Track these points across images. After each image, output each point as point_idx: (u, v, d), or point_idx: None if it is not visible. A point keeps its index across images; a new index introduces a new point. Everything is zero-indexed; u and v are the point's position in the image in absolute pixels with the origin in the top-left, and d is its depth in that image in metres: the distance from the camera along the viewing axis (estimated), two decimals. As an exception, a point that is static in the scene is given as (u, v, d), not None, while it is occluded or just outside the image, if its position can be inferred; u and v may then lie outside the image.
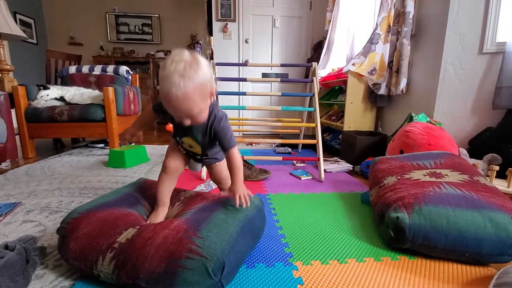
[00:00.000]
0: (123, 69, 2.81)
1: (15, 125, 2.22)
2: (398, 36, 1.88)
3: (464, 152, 1.44)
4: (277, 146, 2.58)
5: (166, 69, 0.65)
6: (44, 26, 4.94)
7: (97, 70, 2.86)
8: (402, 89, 1.86)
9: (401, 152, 1.53)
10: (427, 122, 1.63)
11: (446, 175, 1.05)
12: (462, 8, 1.55)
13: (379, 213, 1.01)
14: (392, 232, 0.90)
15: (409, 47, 1.80)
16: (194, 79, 0.67)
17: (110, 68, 2.85)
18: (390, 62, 1.96)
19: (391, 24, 1.92)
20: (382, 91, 2.01)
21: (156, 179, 1.67)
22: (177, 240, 0.69)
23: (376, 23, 1.97)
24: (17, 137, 2.24)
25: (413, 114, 1.68)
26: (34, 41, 4.69)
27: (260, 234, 0.86)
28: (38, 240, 0.97)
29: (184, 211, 0.87)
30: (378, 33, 1.96)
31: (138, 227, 0.77)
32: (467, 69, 1.60)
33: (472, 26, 1.56)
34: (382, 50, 1.98)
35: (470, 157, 1.45)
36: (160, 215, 0.93)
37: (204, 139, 0.87)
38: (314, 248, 0.91)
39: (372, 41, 1.99)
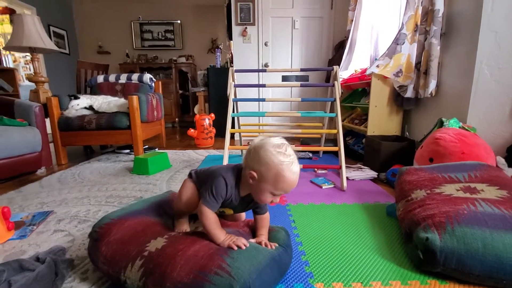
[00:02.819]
0: (147, 77, 2.91)
1: (49, 132, 2.37)
2: (426, 35, 1.77)
3: (502, 161, 1.32)
4: (296, 151, 2.54)
5: (286, 160, 0.72)
6: (75, 37, 5.24)
7: (123, 78, 2.98)
8: (431, 91, 1.75)
9: (431, 160, 1.43)
10: (459, 127, 1.52)
11: (482, 190, 0.96)
12: (497, 4, 1.42)
13: (407, 231, 0.95)
14: (421, 254, 0.84)
15: (438, 47, 1.69)
16: None
17: (135, 76, 2.95)
18: (418, 63, 1.85)
19: (419, 23, 1.81)
20: (409, 93, 1.91)
21: (177, 186, 1.72)
22: (208, 255, 0.70)
23: (402, 23, 1.86)
24: (51, 144, 2.39)
25: (443, 119, 1.57)
26: (67, 51, 4.99)
27: (286, 271, 0.83)
28: (67, 251, 1.01)
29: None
30: (404, 33, 1.85)
31: (166, 236, 0.79)
32: (504, 69, 1.46)
33: (508, 23, 1.42)
34: (409, 51, 1.88)
35: (509, 166, 1.33)
36: (185, 223, 0.94)
37: (244, 208, 0.88)
38: (336, 268, 0.87)
39: (397, 41, 1.89)
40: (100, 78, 3.00)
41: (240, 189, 0.81)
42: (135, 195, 1.57)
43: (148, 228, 0.84)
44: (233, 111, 2.04)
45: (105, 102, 2.55)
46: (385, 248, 0.99)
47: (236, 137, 2.99)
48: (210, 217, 0.78)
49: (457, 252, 0.77)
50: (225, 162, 1.71)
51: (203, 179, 0.88)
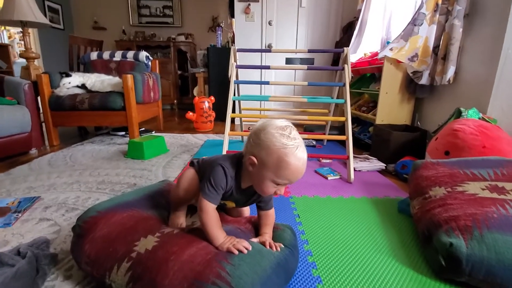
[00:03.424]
0: (143, 55, 2.74)
1: (41, 112, 2.24)
2: (447, 16, 1.62)
3: (526, 156, 1.22)
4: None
5: (290, 142, 0.62)
6: (70, 11, 4.97)
7: (118, 56, 2.82)
8: (449, 78, 1.62)
9: (447, 153, 1.33)
10: (479, 118, 1.40)
11: (512, 190, 0.86)
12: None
13: (425, 232, 0.86)
14: (443, 260, 0.75)
15: (461, 29, 1.54)
16: None
17: (130, 54, 2.79)
18: (436, 47, 1.71)
19: (440, 2, 1.64)
20: (424, 80, 1.77)
21: (174, 173, 1.62)
22: (206, 261, 0.61)
23: (422, 1, 1.70)
24: (43, 125, 2.27)
25: (462, 109, 1.46)
26: (61, 26, 4.74)
27: (293, 275, 0.75)
28: (51, 243, 0.93)
29: None
30: (423, 13, 1.69)
31: (158, 235, 0.70)
32: (534, 56, 1.33)
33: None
34: (427, 33, 1.72)
35: (534, 162, 1.23)
36: (181, 217, 0.85)
37: (246, 202, 0.80)
38: (346, 272, 0.79)
39: (415, 22, 1.74)
40: (94, 55, 2.83)
41: (242, 180, 0.72)
42: (128, 182, 1.47)
43: (138, 224, 0.74)
44: (234, 94, 1.91)
45: (98, 81, 2.40)
46: (399, 250, 0.90)
47: (237, 121, 2.87)
48: (210, 215, 0.68)
49: (487, 262, 0.68)
50: (225, 148, 1.60)
51: (203, 170, 0.79)
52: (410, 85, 1.90)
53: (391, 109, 1.99)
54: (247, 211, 0.95)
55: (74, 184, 1.44)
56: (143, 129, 2.81)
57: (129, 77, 2.17)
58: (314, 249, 0.90)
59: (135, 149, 1.86)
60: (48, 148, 2.20)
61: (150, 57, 2.82)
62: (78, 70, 2.97)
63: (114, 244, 0.68)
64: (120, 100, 2.20)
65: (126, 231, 0.71)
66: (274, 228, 0.81)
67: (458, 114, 1.47)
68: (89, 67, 2.79)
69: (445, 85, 1.71)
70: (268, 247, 0.71)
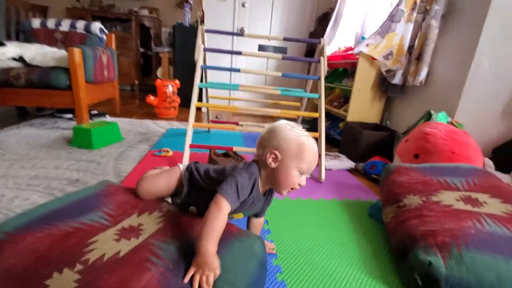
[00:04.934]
0: (96, 26, 2.39)
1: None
2: (425, 15, 1.59)
3: (489, 163, 1.25)
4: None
5: (302, 132, 0.68)
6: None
7: (65, 25, 2.42)
8: (421, 80, 1.61)
9: (416, 156, 1.32)
10: (448, 123, 1.41)
11: (485, 202, 0.84)
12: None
13: (400, 246, 0.81)
14: (419, 279, 0.70)
15: (437, 30, 1.52)
16: None
17: (81, 24, 2.41)
18: (411, 47, 1.69)
19: (418, 1, 1.61)
20: (397, 80, 1.76)
21: (128, 165, 1.42)
22: None
23: (401, -3, 1.65)
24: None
25: (432, 112, 1.45)
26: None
27: None
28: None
29: (164, 238, 0.60)
30: (402, 10, 1.65)
31: (80, 268, 0.49)
32: (505, 64, 1.35)
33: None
34: (403, 31, 1.69)
35: (496, 169, 1.26)
36: None
37: (262, 211, 0.79)
38: (319, 292, 0.71)
39: (393, 18, 1.69)
40: (36, 23, 2.40)
41: (260, 185, 0.70)
42: (69, 177, 1.25)
43: (53, 248, 0.54)
44: (202, 81, 1.73)
45: (39, 53, 2.03)
46: (372, 263, 0.85)
47: (204, 109, 2.67)
48: (223, 217, 0.58)
49: (467, 284, 0.64)
50: (188, 140, 1.44)
51: (206, 181, 0.71)
52: (383, 83, 1.88)
53: (363, 106, 1.97)
54: (261, 222, 0.85)
55: (1, 179, 1.18)
56: (96, 112, 2.49)
57: (77, 51, 1.86)
58: (284, 263, 0.81)
59: (81, 136, 1.61)
60: (-28, 130, 1.83)
61: (105, 30, 2.47)
62: (17, 40, 2.51)
63: (19, 283, 0.48)
64: (65, 77, 1.88)
65: (36, 263, 0.51)
66: (245, 236, 0.69)
67: (428, 116, 1.47)
68: (29, 37, 2.36)
69: (416, 86, 1.70)
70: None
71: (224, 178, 0.64)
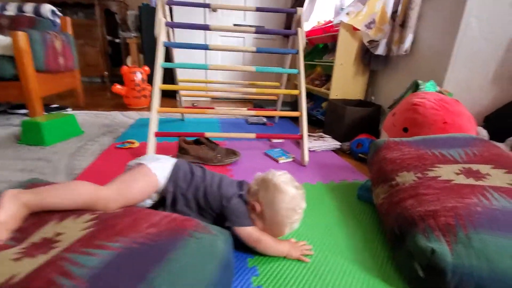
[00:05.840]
0: (47, 8, 2.12)
1: None
2: (408, -24, 1.45)
3: (483, 132, 1.16)
4: (249, 115, 2.17)
5: (297, 193, 0.72)
6: None
7: (11, 9, 2.15)
8: (406, 48, 1.49)
9: (405, 130, 1.20)
10: (436, 92, 1.30)
11: (488, 174, 0.74)
12: None
13: (395, 231, 0.70)
14: (420, 270, 0.59)
15: (422, -9, 1.39)
16: None
17: (29, 8, 2.14)
18: (394, 13, 1.55)
19: (400, -40, 1.47)
20: (381, 50, 1.63)
21: (85, 162, 1.24)
22: None
23: (381, -42, 1.50)
24: None
25: (419, 82, 1.34)
26: None
27: None
28: None
29: (86, 248, 0.43)
30: (383, -28, 1.50)
31: None
32: (495, 24, 1.24)
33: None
34: (385, -4, 1.55)
35: (490, 138, 1.17)
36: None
37: None
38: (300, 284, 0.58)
39: (373, -18, 1.54)
40: (-24, 6, 2.10)
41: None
42: (10, 179, 1.06)
43: None
44: (167, 61, 1.54)
45: (-21, 41, 1.77)
46: (364, 253, 0.73)
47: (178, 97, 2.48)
48: (265, 237, 0.68)
49: (478, 273, 0.53)
50: (152, 128, 1.26)
51: (195, 196, 0.70)
52: (365, 55, 1.75)
53: (346, 82, 1.84)
54: None
55: None
56: (57, 105, 2.25)
57: (21, 34, 1.62)
58: (260, 264, 0.67)
59: (31, 132, 1.40)
60: None
61: (58, 12, 2.20)
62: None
63: None
64: (10, 66, 1.65)
65: None
66: (199, 234, 0.55)
67: (415, 87, 1.35)
68: (-32, 22, 2.07)
69: (400, 56, 1.59)
70: None
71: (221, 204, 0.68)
